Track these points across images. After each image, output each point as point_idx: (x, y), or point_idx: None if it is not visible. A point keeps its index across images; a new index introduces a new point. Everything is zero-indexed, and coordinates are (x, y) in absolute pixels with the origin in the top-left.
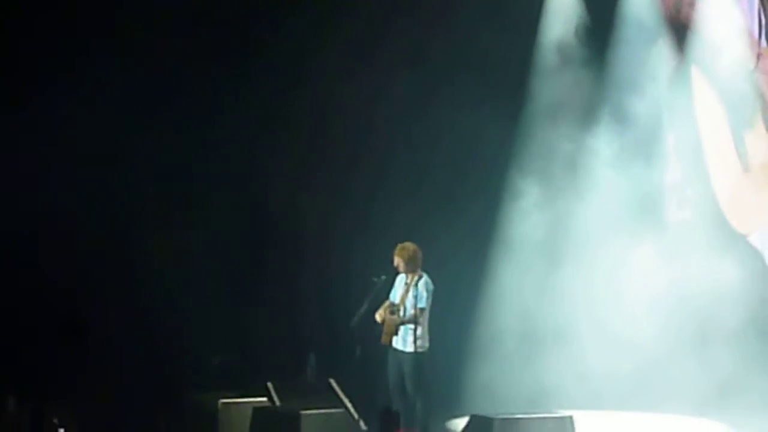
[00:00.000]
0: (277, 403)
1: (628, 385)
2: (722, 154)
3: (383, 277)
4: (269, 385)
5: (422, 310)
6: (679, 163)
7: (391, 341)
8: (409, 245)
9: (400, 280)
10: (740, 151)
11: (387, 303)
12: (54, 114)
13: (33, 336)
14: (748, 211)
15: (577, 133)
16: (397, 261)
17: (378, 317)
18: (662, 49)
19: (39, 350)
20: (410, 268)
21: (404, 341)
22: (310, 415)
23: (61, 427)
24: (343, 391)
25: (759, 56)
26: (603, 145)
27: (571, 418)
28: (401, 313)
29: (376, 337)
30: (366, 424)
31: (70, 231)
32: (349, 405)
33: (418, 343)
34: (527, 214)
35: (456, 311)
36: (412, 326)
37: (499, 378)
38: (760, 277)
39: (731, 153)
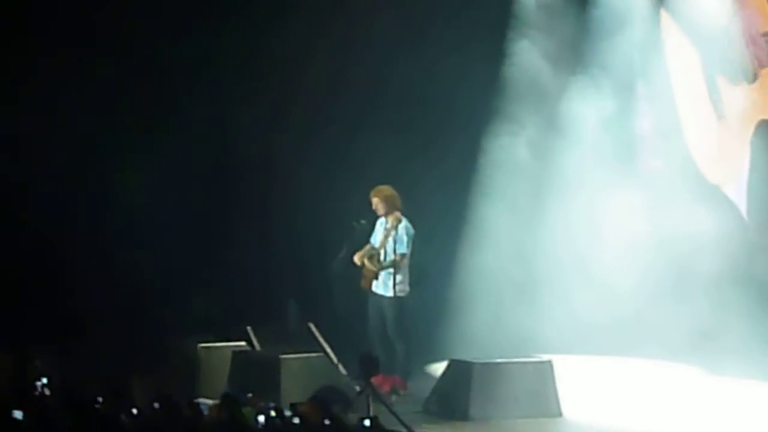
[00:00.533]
0: (257, 347)
1: (607, 331)
2: (695, 102)
3: (363, 222)
4: (249, 329)
5: (403, 255)
6: (651, 112)
7: (371, 286)
8: (385, 187)
9: (380, 224)
10: (714, 98)
11: (367, 247)
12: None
13: (14, 283)
14: (722, 162)
15: (558, 79)
16: (375, 202)
17: (358, 261)
18: None
19: (21, 297)
20: (389, 210)
21: (385, 286)
22: (290, 359)
23: (43, 373)
24: (322, 336)
25: None
26: (581, 91)
27: (550, 362)
28: (382, 258)
29: (356, 282)
30: (345, 368)
31: (49, 176)
32: (328, 350)
33: (399, 287)
34: (508, 160)
35: (436, 256)
36: (392, 271)
37: (480, 323)
38: (735, 228)
39: (705, 101)
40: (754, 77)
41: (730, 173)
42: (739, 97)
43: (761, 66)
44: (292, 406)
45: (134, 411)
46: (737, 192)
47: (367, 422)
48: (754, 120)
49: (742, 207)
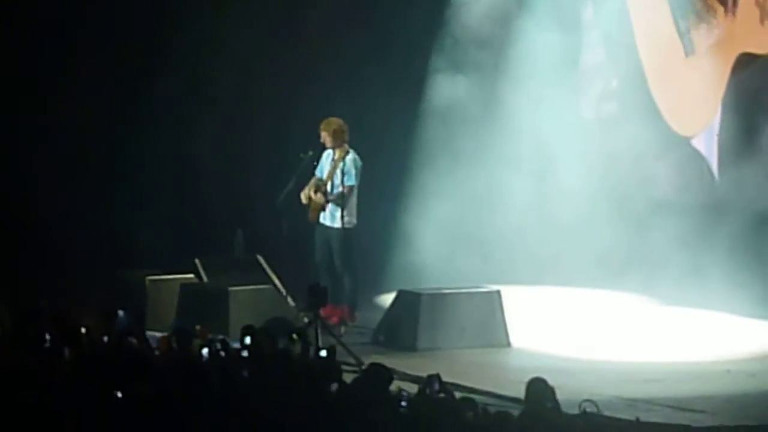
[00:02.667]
0: (205, 280)
1: (554, 262)
2: (657, 34)
3: (310, 153)
4: (197, 261)
5: (351, 187)
6: (602, 42)
7: (318, 218)
8: (334, 119)
9: (327, 156)
10: (682, 28)
11: (313, 180)
12: None
13: None
14: (690, 109)
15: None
16: (324, 135)
17: (304, 199)
18: None
19: None
20: (337, 143)
21: (332, 217)
22: (238, 291)
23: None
24: (270, 267)
25: None
26: (529, 18)
27: (498, 292)
28: (329, 190)
29: (304, 213)
30: (294, 299)
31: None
32: (276, 281)
33: (347, 219)
34: (457, 90)
35: (385, 188)
36: (340, 202)
37: (427, 254)
38: (702, 184)
39: (669, 32)
40: (734, 2)
41: (700, 122)
42: (713, 28)
43: None
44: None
45: (81, 345)
46: (707, 143)
47: (323, 353)
48: (733, 53)
49: (713, 160)
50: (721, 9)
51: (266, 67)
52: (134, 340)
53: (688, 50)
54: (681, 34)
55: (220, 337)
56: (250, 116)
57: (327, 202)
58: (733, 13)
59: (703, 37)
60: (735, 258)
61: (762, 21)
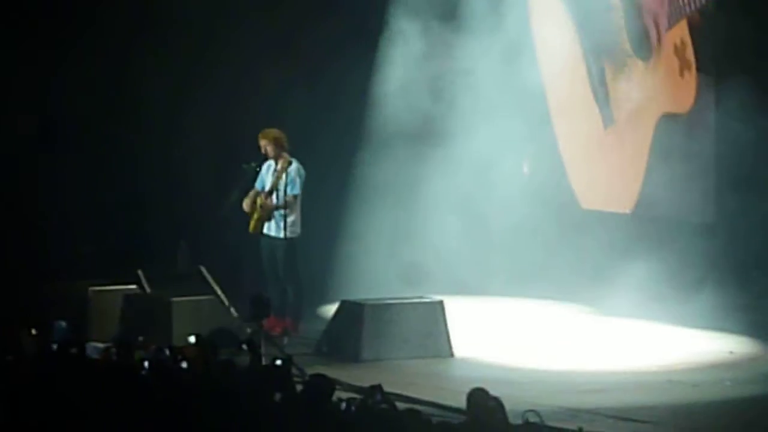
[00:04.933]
0: (148, 290)
1: (495, 272)
2: (574, 106)
3: (253, 164)
4: (139, 272)
5: (295, 196)
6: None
7: (261, 229)
8: (272, 129)
9: (267, 167)
10: (600, 94)
11: (253, 192)
12: None
13: None
14: (610, 190)
15: None
16: (263, 145)
17: (247, 209)
18: None
19: None
20: (277, 152)
21: (277, 227)
22: (181, 302)
23: None
24: (213, 278)
25: None
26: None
27: (441, 303)
28: (274, 200)
29: (247, 224)
30: (237, 310)
31: None
32: (219, 292)
33: (291, 229)
34: (398, 102)
35: (327, 197)
36: (284, 212)
37: (372, 265)
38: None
39: (586, 99)
40: (650, 52)
41: (621, 201)
42: (633, 89)
43: (659, 35)
44: (178, 349)
45: (24, 355)
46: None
47: (278, 362)
48: (655, 117)
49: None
50: (640, 64)
51: (205, 76)
52: (74, 350)
53: (608, 121)
54: (600, 104)
55: (163, 347)
56: (192, 127)
57: (272, 211)
58: (655, 67)
59: (623, 101)
60: (677, 268)
61: (682, 72)
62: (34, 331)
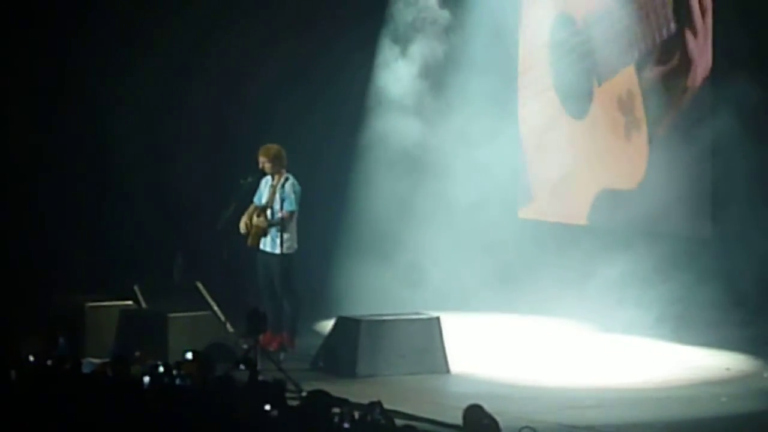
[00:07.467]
0: (144, 306)
1: (492, 289)
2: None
3: (250, 179)
4: (135, 288)
5: (291, 212)
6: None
7: (258, 244)
8: (273, 145)
9: (265, 182)
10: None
11: (251, 207)
12: None
13: None
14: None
15: None
16: (263, 161)
17: (242, 226)
18: None
19: None
20: (275, 169)
21: (273, 243)
22: (177, 317)
23: None
24: (209, 293)
25: None
26: None
27: (438, 319)
28: (269, 216)
29: (243, 239)
30: (233, 326)
31: None
32: (216, 307)
33: (287, 245)
34: (393, 122)
35: (323, 213)
36: (280, 228)
37: (368, 280)
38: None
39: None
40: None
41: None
42: (567, 158)
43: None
44: (177, 365)
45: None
46: None
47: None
48: (593, 191)
49: None
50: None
51: (201, 87)
52: (68, 366)
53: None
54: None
55: (160, 363)
56: (189, 141)
57: (268, 227)
58: (586, 117)
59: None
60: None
61: (628, 135)
62: (35, 346)
